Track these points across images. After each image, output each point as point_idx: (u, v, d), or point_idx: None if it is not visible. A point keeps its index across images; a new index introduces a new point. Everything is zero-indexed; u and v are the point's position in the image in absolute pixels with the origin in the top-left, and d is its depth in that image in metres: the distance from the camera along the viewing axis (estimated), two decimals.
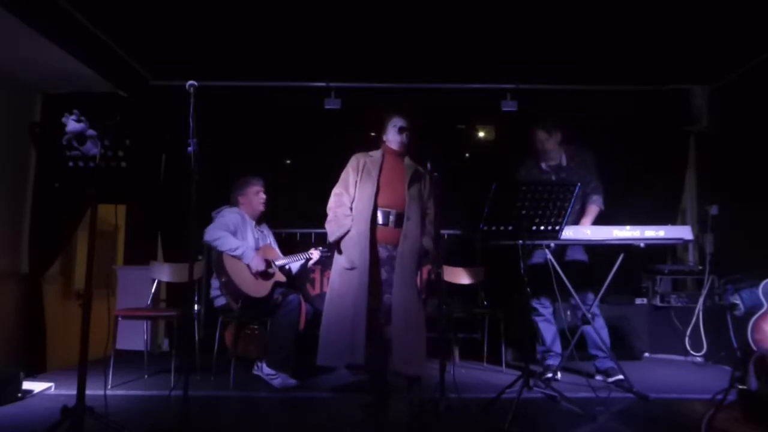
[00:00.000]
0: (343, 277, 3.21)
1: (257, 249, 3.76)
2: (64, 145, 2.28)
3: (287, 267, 3.91)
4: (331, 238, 3.27)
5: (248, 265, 3.63)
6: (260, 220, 3.99)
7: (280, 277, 3.79)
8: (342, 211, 3.28)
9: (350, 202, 3.30)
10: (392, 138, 3.35)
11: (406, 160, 3.40)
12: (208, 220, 3.75)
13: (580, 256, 3.78)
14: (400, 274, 3.10)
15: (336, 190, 3.37)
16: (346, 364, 3.20)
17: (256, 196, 3.90)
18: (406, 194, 3.21)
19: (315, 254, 3.93)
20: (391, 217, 3.20)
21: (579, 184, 3.00)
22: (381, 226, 3.21)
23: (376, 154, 3.37)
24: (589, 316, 3.54)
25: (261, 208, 3.93)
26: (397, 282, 3.09)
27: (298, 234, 4.98)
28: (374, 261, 3.18)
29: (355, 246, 3.18)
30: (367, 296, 3.10)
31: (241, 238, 3.71)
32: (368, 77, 4.84)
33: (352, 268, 3.16)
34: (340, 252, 3.26)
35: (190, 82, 2.51)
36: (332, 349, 3.15)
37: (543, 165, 3.81)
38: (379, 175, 3.25)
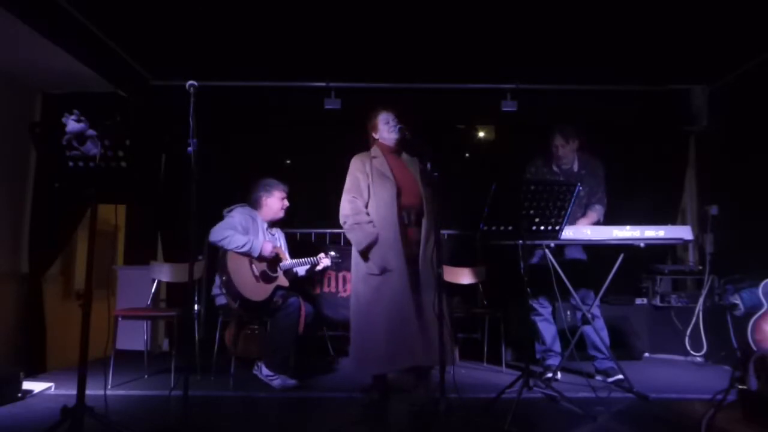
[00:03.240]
0: (368, 283, 3.08)
1: None
2: (64, 145, 2.28)
3: (294, 271, 3.90)
4: (359, 247, 3.11)
5: (252, 265, 3.61)
6: (273, 223, 3.96)
7: (283, 282, 3.75)
8: (362, 218, 3.13)
9: (365, 207, 3.18)
10: (387, 135, 3.25)
11: (404, 156, 3.32)
12: (209, 220, 3.72)
13: (579, 254, 3.78)
14: (424, 272, 3.07)
15: (349, 197, 3.19)
16: (403, 367, 3.09)
17: (280, 201, 3.87)
18: (422, 192, 3.16)
19: (325, 260, 3.87)
20: (412, 217, 3.14)
21: (579, 184, 3.00)
22: (404, 226, 3.14)
23: (377, 154, 3.27)
24: (589, 316, 3.55)
25: (282, 214, 3.90)
26: (423, 280, 3.06)
27: (298, 234, 4.98)
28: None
29: (386, 251, 3.07)
30: (411, 297, 3.01)
31: None
32: (368, 77, 4.83)
33: (380, 274, 3.05)
34: (366, 259, 3.11)
35: (190, 82, 2.50)
36: (375, 357, 3.02)
37: (554, 167, 3.81)
38: (393, 175, 3.17)
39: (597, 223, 3.74)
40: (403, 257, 3.05)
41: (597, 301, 3.68)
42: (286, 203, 3.91)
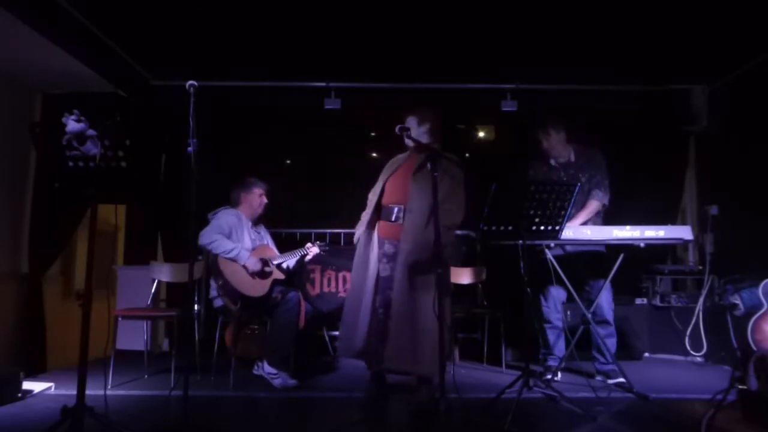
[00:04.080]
0: (353, 274, 3.29)
1: (253, 249, 3.76)
2: (64, 145, 2.28)
3: (285, 265, 3.92)
4: (354, 239, 3.37)
5: (244, 266, 3.63)
6: (257, 221, 4.00)
7: (278, 275, 3.79)
8: (363, 214, 3.34)
9: None
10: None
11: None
12: (208, 221, 3.74)
13: (598, 246, 3.69)
14: (399, 270, 3.09)
15: (369, 196, 3.40)
16: (348, 356, 3.22)
17: (259, 198, 3.92)
18: (410, 187, 3.16)
19: (313, 249, 3.94)
20: (400, 213, 3.17)
21: (579, 184, 2.99)
22: (391, 223, 3.18)
23: (404, 154, 3.37)
24: (589, 316, 3.53)
25: (260, 211, 3.95)
26: (396, 278, 3.09)
27: (298, 234, 4.97)
28: (380, 258, 3.18)
29: (360, 243, 3.27)
30: (368, 292, 3.13)
31: (237, 239, 3.71)
32: (368, 77, 4.83)
33: (360, 268, 3.22)
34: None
35: (190, 82, 2.50)
36: (340, 342, 3.26)
37: (552, 162, 3.81)
38: (391, 174, 3.26)
39: (600, 207, 3.71)
40: (368, 254, 3.20)
41: (612, 305, 3.69)
42: (265, 200, 3.96)
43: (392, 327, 3.02)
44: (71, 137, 2.27)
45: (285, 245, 4.12)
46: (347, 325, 3.19)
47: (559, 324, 3.83)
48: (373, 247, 3.21)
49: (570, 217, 3.30)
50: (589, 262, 3.63)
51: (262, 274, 3.69)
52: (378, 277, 3.16)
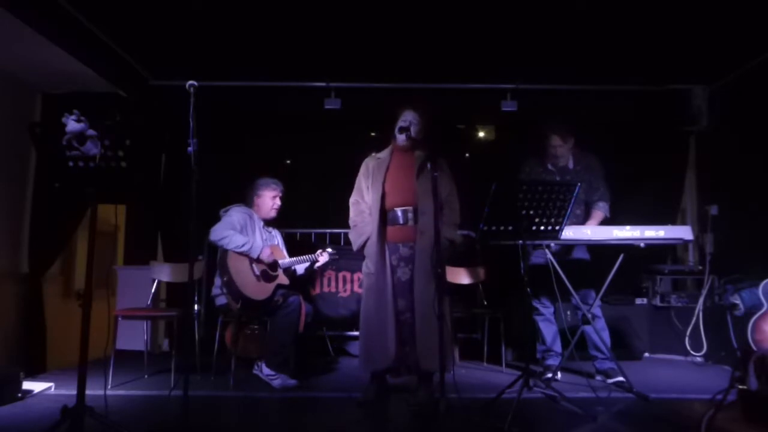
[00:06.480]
0: (368, 282, 3.19)
1: None
2: (64, 145, 2.28)
3: (292, 269, 3.91)
4: (354, 247, 3.28)
5: (252, 264, 3.62)
6: (269, 222, 3.97)
7: (284, 280, 3.76)
8: (361, 219, 3.26)
9: (368, 208, 3.25)
10: (396, 135, 3.25)
11: (417, 153, 3.27)
12: (208, 220, 3.73)
13: (582, 254, 3.78)
14: (419, 272, 3.09)
15: (352, 200, 3.33)
16: (380, 368, 3.14)
17: (272, 200, 3.86)
18: (417, 189, 3.15)
19: (323, 256, 3.89)
20: (410, 215, 3.15)
21: (579, 184, 2.99)
22: (401, 226, 3.16)
23: (384, 153, 3.31)
24: (589, 316, 3.54)
25: (273, 214, 3.89)
26: (417, 279, 3.08)
27: (298, 234, 4.98)
28: (396, 263, 3.15)
29: (373, 251, 3.16)
30: (390, 299, 3.09)
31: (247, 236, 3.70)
32: (368, 77, 4.83)
33: (374, 273, 3.14)
34: (365, 257, 3.26)
35: (190, 82, 2.51)
36: (367, 356, 3.14)
37: (549, 166, 3.81)
38: (386, 176, 3.20)
39: (604, 218, 3.74)
40: (384, 259, 3.13)
41: (598, 301, 3.68)
42: (278, 203, 3.89)
43: (420, 328, 3.01)
44: (71, 137, 2.27)
45: (285, 245, 4.11)
46: (372, 337, 3.11)
47: (552, 317, 3.85)
48: (384, 254, 3.14)
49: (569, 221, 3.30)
50: (575, 272, 3.55)
51: (267, 277, 3.68)
52: (397, 282, 3.12)
